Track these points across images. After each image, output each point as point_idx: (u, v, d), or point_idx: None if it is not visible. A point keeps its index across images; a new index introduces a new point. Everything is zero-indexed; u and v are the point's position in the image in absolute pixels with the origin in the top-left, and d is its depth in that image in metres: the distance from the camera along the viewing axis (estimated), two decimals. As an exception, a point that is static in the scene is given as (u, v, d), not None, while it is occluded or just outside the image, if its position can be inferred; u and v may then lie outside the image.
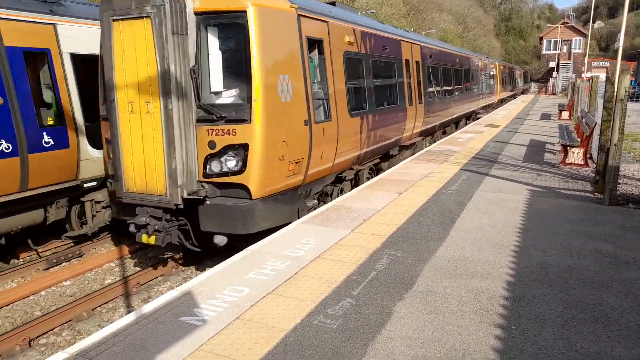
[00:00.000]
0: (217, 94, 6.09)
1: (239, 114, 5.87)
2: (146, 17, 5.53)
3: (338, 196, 8.55)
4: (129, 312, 6.31)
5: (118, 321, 3.99)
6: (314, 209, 7.33)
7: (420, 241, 5.74)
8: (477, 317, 3.93)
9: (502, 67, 33.17)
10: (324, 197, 8.28)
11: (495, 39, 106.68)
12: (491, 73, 28.48)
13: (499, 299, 4.24)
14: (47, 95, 7.68)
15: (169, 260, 7.69)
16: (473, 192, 8.09)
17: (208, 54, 5.95)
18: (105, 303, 6.57)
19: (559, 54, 62.36)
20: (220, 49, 6.01)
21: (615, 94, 7.42)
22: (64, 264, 7.82)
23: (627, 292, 4.36)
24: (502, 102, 34.25)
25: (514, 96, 42.71)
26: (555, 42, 66.71)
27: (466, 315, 3.96)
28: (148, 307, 4.20)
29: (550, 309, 4.04)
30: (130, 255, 8.20)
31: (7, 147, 6.63)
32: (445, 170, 10.02)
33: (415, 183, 8.88)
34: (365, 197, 7.93)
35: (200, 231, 6.24)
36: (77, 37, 7.76)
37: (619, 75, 7.21)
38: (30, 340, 5.62)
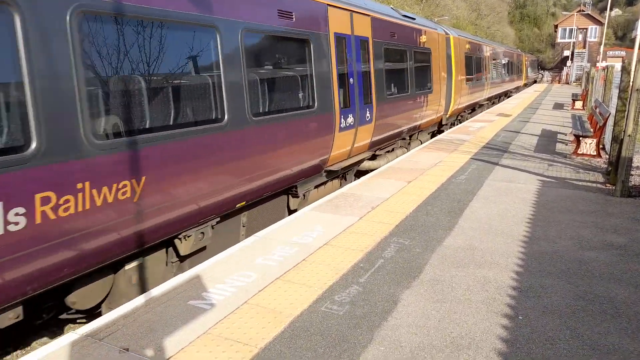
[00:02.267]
0: None
1: None
2: None
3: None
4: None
5: (128, 303, 4.04)
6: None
7: (428, 230, 5.73)
8: (484, 307, 3.93)
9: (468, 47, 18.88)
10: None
11: (509, 26, 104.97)
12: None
13: (507, 289, 4.23)
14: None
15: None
16: (483, 182, 8.03)
17: None
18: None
19: (573, 43, 61.27)
20: None
21: (631, 83, 7.29)
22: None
23: (636, 284, 4.33)
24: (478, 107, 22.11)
25: (506, 95, 32.17)
26: (571, 30, 65.49)
27: (473, 305, 3.96)
28: (157, 290, 4.25)
29: (558, 300, 4.03)
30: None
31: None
32: (455, 159, 9.95)
33: (425, 172, 8.84)
34: (374, 185, 7.91)
35: None
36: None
37: (636, 65, 7.06)
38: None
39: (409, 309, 3.89)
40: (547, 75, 66.71)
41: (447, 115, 15.63)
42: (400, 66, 10.84)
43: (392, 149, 11.39)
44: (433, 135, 15.34)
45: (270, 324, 3.68)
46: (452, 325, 3.65)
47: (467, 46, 17.56)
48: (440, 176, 8.45)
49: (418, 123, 12.28)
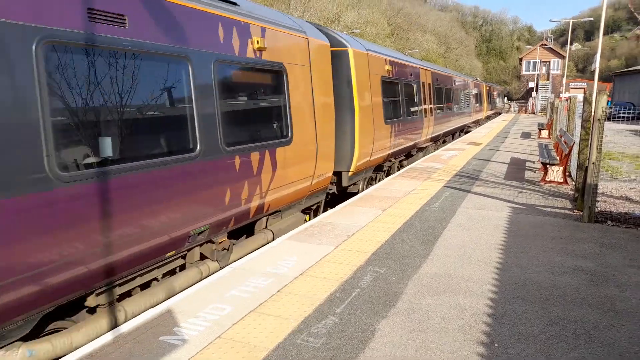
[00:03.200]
0: None
1: None
2: None
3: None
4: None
5: (94, 341, 3.87)
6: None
7: (403, 258, 5.73)
8: (460, 335, 3.92)
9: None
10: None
11: (477, 59, 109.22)
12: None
13: (482, 316, 4.24)
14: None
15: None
16: (456, 209, 8.15)
17: None
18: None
19: (538, 75, 64.03)
20: None
21: (592, 113, 7.61)
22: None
23: (607, 309, 4.40)
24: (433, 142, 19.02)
25: (462, 131, 27.77)
26: (534, 63, 68.55)
27: (449, 333, 3.95)
28: (126, 327, 4.09)
29: (533, 326, 4.05)
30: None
31: None
32: (428, 187, 10.09)
33: (399, 199, 8.92)
34: (350, 213, 7.92)
35: None
36: None
37: (596, 96, 7.40)
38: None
39: (386, 339, 3.84)
40: (514, 105, 69.23)
41: (350, 173, 9.79)
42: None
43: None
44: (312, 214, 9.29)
45: (245, 358, 3.57)
46: (429, 355, 3.62)
47: (387, 67, 11.85)
48: (415, 204, 8.54)
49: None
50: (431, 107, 16.79)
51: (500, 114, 54.91)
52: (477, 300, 4.58)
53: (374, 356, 3.60)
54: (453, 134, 24.21)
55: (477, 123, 33.95)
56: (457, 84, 23.98)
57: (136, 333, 3.96)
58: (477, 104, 32.38)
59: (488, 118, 42.00)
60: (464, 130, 27.94)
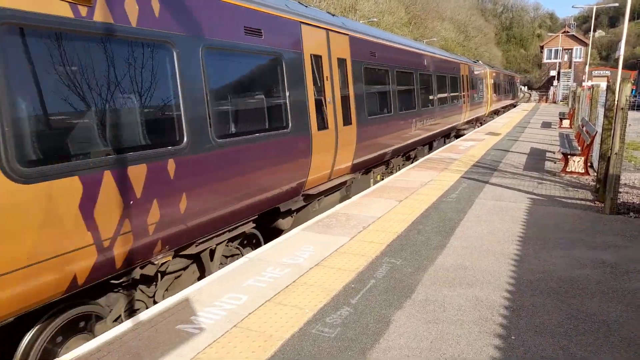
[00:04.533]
0: None
1: None
2: None
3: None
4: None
5: (114, 329, 3.95)
6: None
7: (419, 249, 5.71)
8: (476, 327, 3.89)
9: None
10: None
11: (497, 47, 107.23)
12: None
13: (499, 309, 4.20)
14: None
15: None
16: (473, 201, 8.06)
17: None
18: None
19: (559, 63, 62.57)
20: None
21: (616, 102, 7.42)
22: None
23: (628, 302, 4.32)
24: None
25: (447, 136, 18.66)
26: (556, 50, 66.96)
27: (465, 325, 3.93)
28: (145, 315, 4.17)
29: (550, 319, 4.00)
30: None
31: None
32: (445, 178, 10.00)
33: (416, 191, 8.86)
34: (366, 204, 7.90)
35: None
36: None
37: (620, 84, 7.20)
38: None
39: (401, 330, 3.84)
40: (535, 94, 67.86)
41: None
42: None
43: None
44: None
45: (261, 347, 3.61)
46: (445, 347, 3.61)
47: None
48: (431, 195, 8.47)
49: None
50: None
51: (514, 105, 45.83)
52: (494, 292, 4.54)
53: (389, 347, 3.60)
54: (430, 142, 15.96)
55: (476, 122, 24.31)
56: (439, 69, 15.62)
57: (154, 321, 4.04)
58: (468, 97, 20.55)
59: (495, 113, 31.98)
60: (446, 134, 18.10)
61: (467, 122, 21.50)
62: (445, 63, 16.90)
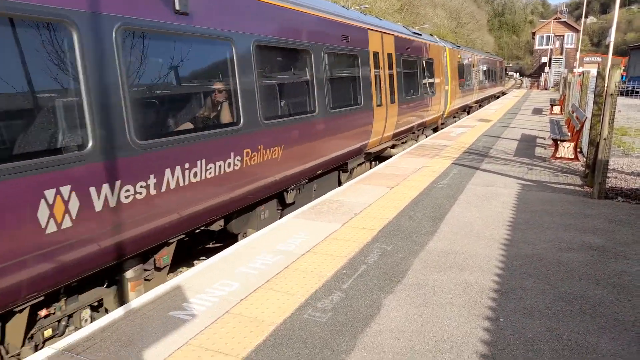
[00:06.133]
0: None
1: None
2: None
3: None
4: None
5: (106, 316, 3.96)
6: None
7: (410, 235, 5.75)
8: (465, 310, 3.95)
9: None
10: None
11: (489, 34, 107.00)
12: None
13: (488, 292, 4.26)
14: None
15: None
16: (464, 186, 8.11)
17: None
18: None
19: (551, 49, 62.68)
20: None
21: (605, 88, 7.46)
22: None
23: (614, 284, 4.40)
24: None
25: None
26: (548, 37, 67.02)
27: (455, 308, 3.98)
28: (137, 302, 4.17)
29: (538, 301, 4.07)
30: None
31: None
32: (436, 165, 10.04)
33: (407, 177, 8.89)
34: (357, 191, 7.93)
35: None
36: None
37: (609, 70, 7.24)
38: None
39: (391, 314, 3.89)
40: (526, 81, 68.02)
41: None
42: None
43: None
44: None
45: (252, 333, 3.64)
46: (435, 329, 3.66)
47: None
48: (423, 181, 8.52)
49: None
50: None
51: (497, 97, 37.71)
52: (484, 276, 4.60)
53: (380, 330, 3.65)
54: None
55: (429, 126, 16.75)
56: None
57: (146, 308, 4.05)
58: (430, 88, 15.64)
59: (468, 110, 25.10)
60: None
61: (384, 141, 11.72)
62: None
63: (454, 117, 21.95)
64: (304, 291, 4.31)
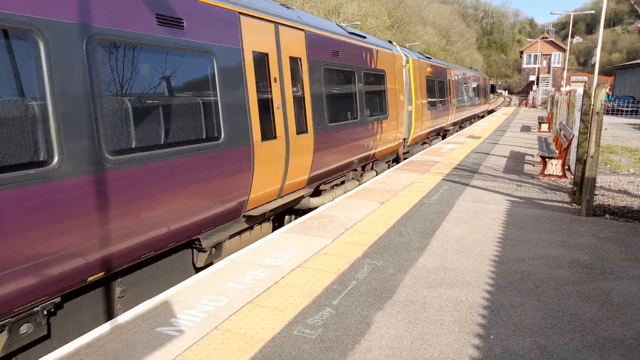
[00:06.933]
0: None
1: None
2: None
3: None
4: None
5: (92, 332, 3.88)
6: None
7: (401, 251, 5.74)
8: (456, 327, 3.93)
9: None
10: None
11: (478, 52, 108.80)
12: None
13: (478, 309, 4.26)
14: None
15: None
16: (454, 202, 8.15)
17: None
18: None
19: (538, 68, 63.82)
20: None
21: (592, 107, 7.59)
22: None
23: (603, 301, 4.42)
24: None
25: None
26: (535, 56, 68.31)
27: (445, 325, 3.96)
28: (123, 317, 4.10)
29: (528, 319, 4.07)
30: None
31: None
32: (427, 180, 10.09)
33: (398, 193, 8.92)
34: (348, 206, 7.93)
35: None
36: None
37: (595, 89, 7.38)
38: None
39: (382, 331, 3.86)
40: (515, 98, 69.07)
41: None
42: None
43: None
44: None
45: (241, 349, 3.59)
46: (425, 347, 3.64)
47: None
48: (413, 197, 8.54)
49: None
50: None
51: (481, 117, 35.36)
52: (474, 292, 4.60)
53: (370, 347, 3.61)
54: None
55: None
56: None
57: (133, 324, 3.98)
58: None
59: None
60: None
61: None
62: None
63: (424, 143, 17.81)
64: (293, 307, 4.27)
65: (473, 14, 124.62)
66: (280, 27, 7.03)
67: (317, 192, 9.05)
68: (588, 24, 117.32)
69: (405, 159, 14.45)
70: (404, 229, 6.61)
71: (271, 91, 6.78)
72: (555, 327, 3.94)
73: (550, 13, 62.24)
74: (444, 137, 21.33)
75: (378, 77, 11.43)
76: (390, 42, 14.24)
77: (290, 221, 7.76)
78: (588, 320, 4.05)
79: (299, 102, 7.55)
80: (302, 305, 4.31)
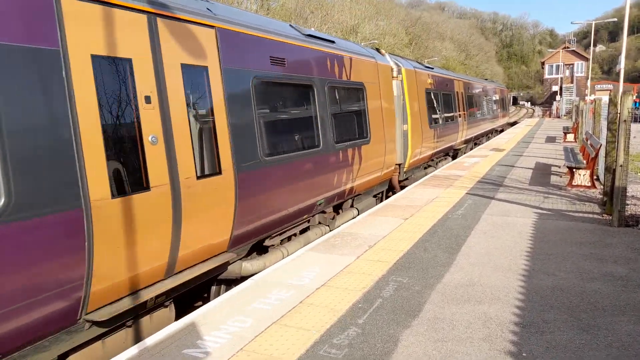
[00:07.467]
0: None
1: None
2: None
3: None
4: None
5: (122, 354, 3.92)
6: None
7: (426, 267, 5.65)
8: (486, 345, 3.82)
9: None
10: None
11: (498, 64, 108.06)
12: None
13: (509, 325, 4.14)
14: None
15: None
16: (479, 216, 8.01)
17: None
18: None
19: (561, 78, 62.90)
20: None
21: (618, 115, 7.42)
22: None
23: (640, 315, 4.24)
24: None
25: None
26: (557, 66, 67.41)
27: (475, 343, 3.86)
28: (151, 340, 4.13)
29: (562, 335, 3.93)
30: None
31: None
32: (451, 195, 9.96)
33: (421, 208, 8.83)
34: (371, 223, 7.88)
35: None
36: None
37: (621, 97, 7.22)
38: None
39: (409, 350, 3.78)
40: (538, 109, 68.07)
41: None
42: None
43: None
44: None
45: (267, 370, 3.56)
46: (455, 365, 3.54)
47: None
48: (437, 212, 8.44)
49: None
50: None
51: (501, 131, 32.51)
52: (503, 308, 4.47)
53: (398, 367, 3.54)
54: None
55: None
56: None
57: (160, 346, 4.00)
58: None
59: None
60: None
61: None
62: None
63: (428, 166, 15.22)
64: (319, 326, 4.23)
65: (491, 27, 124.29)
66: (159, 20, 4.64)
67: (264, 250, 6.82)
68: (610, 32, 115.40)
69: (402, 187, 12.31)
70: (429, 245, 6.51)
71: (138, 116, 4.34)
72: (591, 343, 3.79)
73: (571, 23, 61.47)
74: (454, 158, 18.69)
75: (353, 92, 9.15)
76: (377, 49, 12.12)
77: (219, 292, 6.10)
78: (626, 336, 3.88)
79: (203, 130, 5.18)
80: (327, 324, 4.27)
